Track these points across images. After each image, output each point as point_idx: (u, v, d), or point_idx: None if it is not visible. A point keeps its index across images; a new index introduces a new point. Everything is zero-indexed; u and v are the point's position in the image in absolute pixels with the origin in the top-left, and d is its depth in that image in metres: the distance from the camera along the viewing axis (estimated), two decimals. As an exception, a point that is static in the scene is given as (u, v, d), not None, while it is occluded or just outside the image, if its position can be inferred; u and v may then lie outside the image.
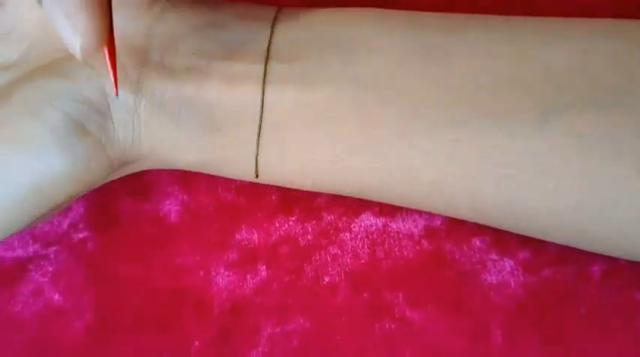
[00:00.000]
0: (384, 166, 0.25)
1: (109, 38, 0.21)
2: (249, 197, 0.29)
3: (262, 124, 0.25)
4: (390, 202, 0.27)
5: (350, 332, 0.27)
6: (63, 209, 0.29)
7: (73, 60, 0.26)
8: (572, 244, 0.26)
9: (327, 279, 0.28)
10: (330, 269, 0.28)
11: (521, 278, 0.27)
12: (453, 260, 0.28)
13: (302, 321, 0.27)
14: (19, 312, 0.28)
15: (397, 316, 0.27)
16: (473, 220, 0.27)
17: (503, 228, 0.26)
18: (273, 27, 0.27)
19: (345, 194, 0.28)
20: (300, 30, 0.27)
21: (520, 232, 0.26)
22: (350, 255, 0.28)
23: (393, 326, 0.27)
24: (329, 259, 0.28)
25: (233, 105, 0.26)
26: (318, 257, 0.28)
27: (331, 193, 0.28)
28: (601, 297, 0.27)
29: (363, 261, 0.28)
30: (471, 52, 0.25)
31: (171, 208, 0.29)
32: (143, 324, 0.28)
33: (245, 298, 0.28)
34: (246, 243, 0.29)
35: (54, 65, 0.26)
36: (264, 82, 0.25)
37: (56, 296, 0.28)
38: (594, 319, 0.27)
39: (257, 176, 0.26)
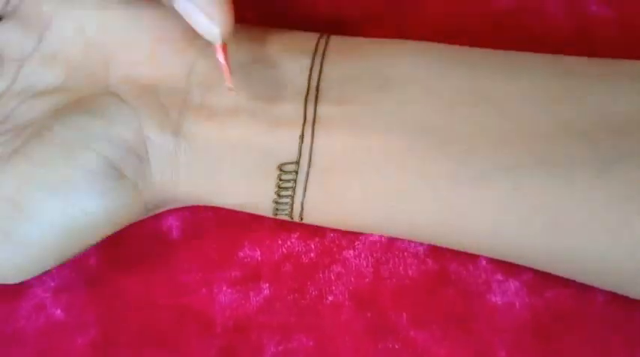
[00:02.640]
0: (438, 215, 0.24)
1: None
2: (251, 214, 0.28)
3: (310, 169, 0.25)
4: (438, 245, 0.27)
5: (353, 352, 0.27)
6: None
7: (111, 98, 0.25)
8: (626, 292, 0.25)
9: (330, 298, 0.28)
10: (333, 288, 0.28)
11: (526, 299, 0.27)
12: (458, 280, 0.28)
13: (305, 340, 0.27)
14: (21, 328, 0.28)
15: (401, 336, 0.27)
16: (516, 262, 0.26)
17: (546, 270, 0.26)
18: (322, 63, 0.26)
19: (393, 235, 0.27)
20: (351, 68, 0.25)
21: (571, 278, 0.26)
22: (354, 274, 0.28)
23: (396, 346, 0.27)
24: (332, 277, 0.28)
25: (281, 149, 0.25)
26: (321, 275, 0.28)
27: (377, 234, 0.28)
28: (604, 319, 0.27)
29: (367, 280, 0.28)
30: (526, 97, 0.24)
31: (173, 224, 0.29)
32: (146, 341, 0.28)
33: (248, 317, 0.28)
34: (249, 260, 0.28)
35: (92, 102, 0.25)
36: (313, 126, 0.25)
37: (58, 312, 0.28)
38: (597, 341, 0.27)
39: (301, 219, 0.26)
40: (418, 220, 0.25)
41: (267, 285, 0.28)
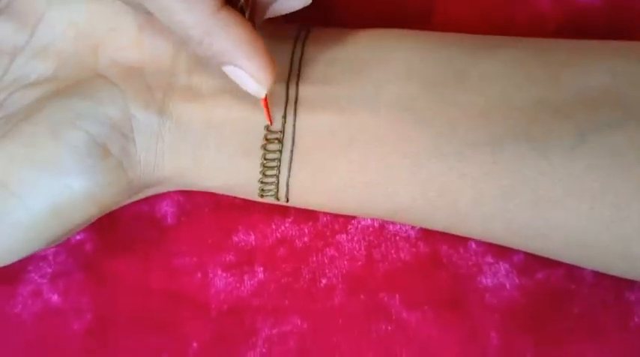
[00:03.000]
0: (421, 188, 0.25)
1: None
2: (245, 199, 0.29)
3: (294, 148, 0.25)
4: (423, 226, 0.27)
5: (347, 334, 0.27)
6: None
7: (99, 80, 0.26)
8: (605, 269, 0.26)
9: (324, 281, 0.28)
10: (327, 271, 0.28)
11: (516, 281, 0.28)
12: (449, 263, 0.28)
13: (299, 322, 0.28)
14: (18, 313, 0.28)
15: (393, 317, 0.27)
16: (504, 243, 0.26)
17: (535, 252, 0.26)
18: (303, 47, 0.26)
19: (378, 217, 0.28)
20: (332, 51, 0.26)
21: (552, 256, 0.26)
22: (347, 257, 0.28)
23: (389, 328, 0.27)
24: (326, 261, 0.28)
25: (264, 129, 0.25)
26: (314, 259, 0.28)
27: (362, 216, 0.28)
28: (593, 297, 0.27)
29: (359, 263, 0.28)
30: (503, 74, 0.25)
31: (168, 209, 0.29)
32: (141, 325, 0.28)
33: (242, 300, 0.28)
34: (244, 245, 0.29)
35: (80, 85, 0.25)
36: (295, 105, 0.25)
37: (55, 297, 0.28)
38: (587, 319, 0.27)
39: (287, 200, 0.26)
40: (401, 198, 0.25)
41: (262, 269, 0.28)
